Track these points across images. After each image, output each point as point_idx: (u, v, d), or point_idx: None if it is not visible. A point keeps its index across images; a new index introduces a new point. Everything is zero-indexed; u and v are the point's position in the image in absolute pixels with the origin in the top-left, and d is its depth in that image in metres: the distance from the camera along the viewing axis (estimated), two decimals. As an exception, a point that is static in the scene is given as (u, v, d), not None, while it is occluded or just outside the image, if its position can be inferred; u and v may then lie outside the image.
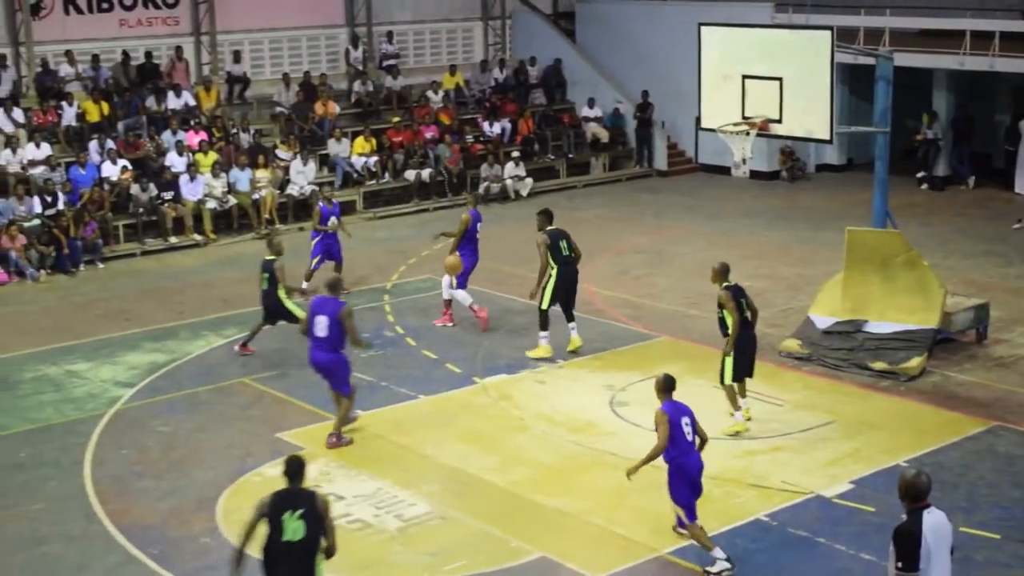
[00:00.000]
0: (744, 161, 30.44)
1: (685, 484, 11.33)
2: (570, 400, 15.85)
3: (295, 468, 9.27)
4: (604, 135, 32.47)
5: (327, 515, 9.08)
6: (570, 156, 31.96)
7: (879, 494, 12.79)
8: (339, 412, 14.46)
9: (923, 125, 29.78)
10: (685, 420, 11.28)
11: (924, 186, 29.68)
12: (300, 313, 16.73)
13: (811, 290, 18.43)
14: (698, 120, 18.94)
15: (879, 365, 16.66)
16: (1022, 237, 24.75)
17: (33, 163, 24.94)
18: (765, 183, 30.89)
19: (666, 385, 11.45)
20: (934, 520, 8.36)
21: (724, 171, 31.57)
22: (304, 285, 20.22)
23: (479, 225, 19.43)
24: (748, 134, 17.57)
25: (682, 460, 11.25)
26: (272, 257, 17.47)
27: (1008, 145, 29.47)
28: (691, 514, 11.39)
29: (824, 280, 18.62)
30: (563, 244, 17.51)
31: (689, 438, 11.28)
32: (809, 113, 16.80)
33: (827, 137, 17.05)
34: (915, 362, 16.58)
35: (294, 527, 8.94)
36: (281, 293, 17.40)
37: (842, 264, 17.98)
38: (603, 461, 13.83)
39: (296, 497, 9.11)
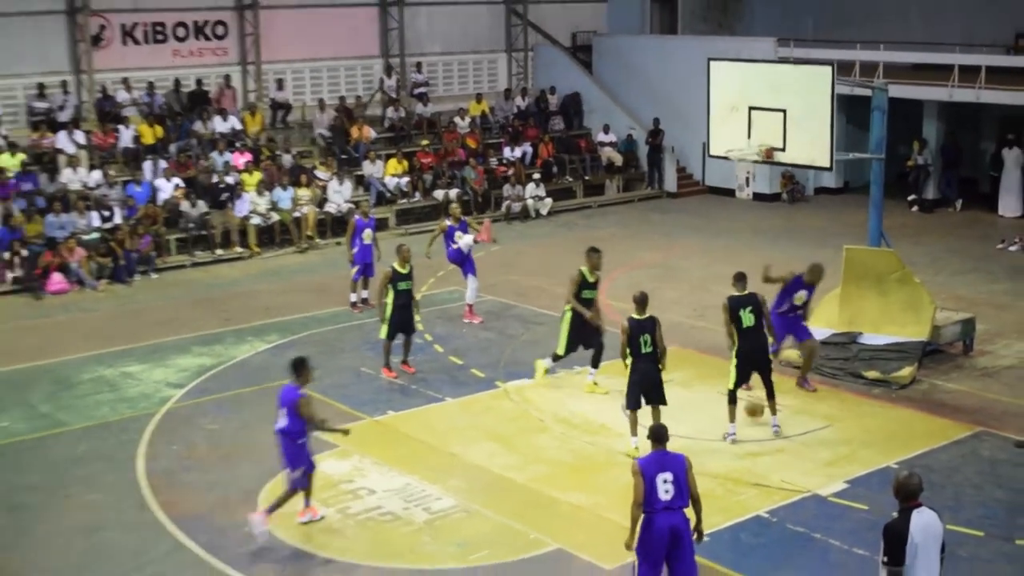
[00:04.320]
0: (748, 183, 30.74)
1: (646, 546, 9.81)
2: (586, 404, 15.83)
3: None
4: (618, 159, 32.47)
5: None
6: (586, 178, 31.96)
7: (872, 493, 12.78)
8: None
9: (914, 152, 29.70)
10: (664, 477, 9.78)
11: (915, 208, 29.60)
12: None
13: (810, 304, 18.36)
14: (705, 146, 18.96)
15: (872, 374, 16.63)
16: (1006, 256, 24.68)
17: (95, 187, 25.09)
18: (767, 205, 30.85)
19: (653, 435, 10.09)
20: (924, 519, 8.35)
21: (729, 193, 31.63)
22: (364, 294, 20.51)
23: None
24: (755, 161, 17.60)
25: (648, 518, 9.81)
26: (404, 270, 16.96)
27: (993, 171, 29.39)
28: None
29: (822, 295, 18.59)
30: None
31: (665, 496, 9.77)
32: (811, 142, 16.76)
33: (827, 165, 16.99)
34: (906, 371, 16.56)
35: None
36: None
37: (840, 280, 17.97)
38: (616, 460, 13.82)
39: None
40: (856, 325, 17.55)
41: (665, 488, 9.79)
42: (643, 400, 13.97)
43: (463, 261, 20.02)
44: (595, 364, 16.22)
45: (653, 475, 9.81)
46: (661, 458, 9.93)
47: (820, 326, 17.57)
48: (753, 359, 14.45)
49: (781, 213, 29.93)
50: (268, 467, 13.74)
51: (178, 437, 14.91)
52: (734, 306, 14.43)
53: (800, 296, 16.02)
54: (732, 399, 14.49)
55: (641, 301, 14.07)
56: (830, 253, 20.60)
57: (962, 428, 14.89)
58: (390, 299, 16.78)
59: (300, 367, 12.20)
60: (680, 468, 9.89)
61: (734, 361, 14.43)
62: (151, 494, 13.17)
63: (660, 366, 13.97)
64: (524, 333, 19.22)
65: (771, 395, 14.60)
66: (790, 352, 17.34)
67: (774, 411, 14.62)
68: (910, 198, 29.76)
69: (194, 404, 16.10)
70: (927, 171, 29.80)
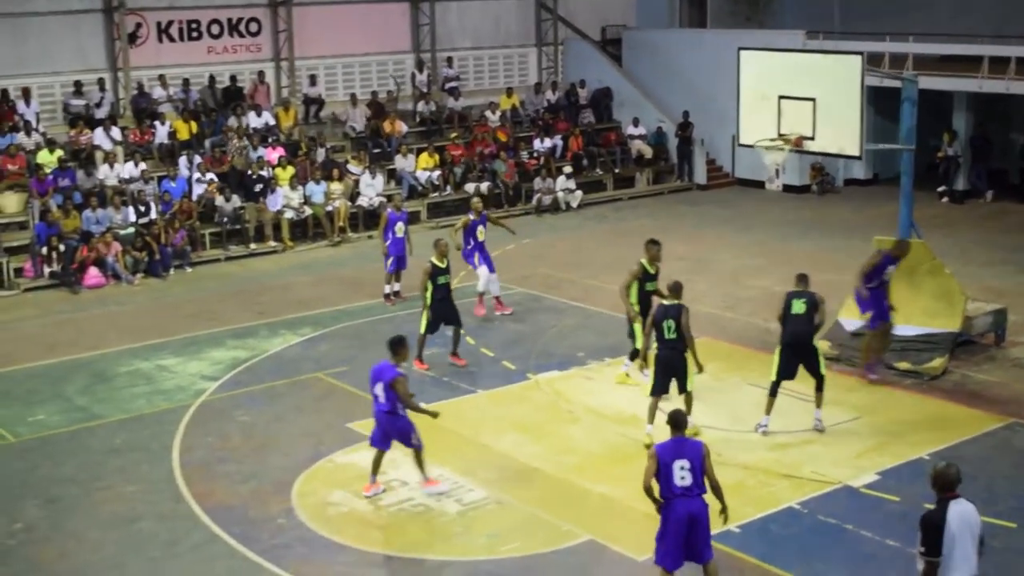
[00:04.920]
0: (778, 175, 30.50)
1: (664, 536, 9.91)
2: (616, 395, 15.76)
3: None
4: (648, 151, 32.31)
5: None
6: (616, 171, 31.81)
7: (903, 484, 12.64)
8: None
9: (944, 143, 29.42)
10: (681, 464, 9.76)
11: (945, 200, 29.29)
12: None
13: (840, 296, 18.17)
14: (735, 137, 18.81)
15: (904, 365, 16.47)
16: (1038, 247, 24.39)
17: (130, 180, 25.17)
18: (797, 196, 30.63)
19: (671, 421, 10.06)
20: (960, 510, 8.24)
21: (759, 185, 31.42)
22: (396, 287, 20.49)
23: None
24: (783, 149, 17.48)
25: (666, 503, 9.86)
26: (442, 264, 16.95)
27: (1023, 162, 29.03)
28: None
29: (852, 286, 18.39)
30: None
31: (681, 482, 9.76)
32: (840, 131, 16.68)
33: (857, 153, 16.95)
34: (937, 362, 16.39)
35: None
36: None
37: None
38: (646, 451, 13.68)
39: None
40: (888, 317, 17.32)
41: (682, 475, 9.78)
42: (669, 387, 13.94)
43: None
44: (632, 356, 16.09)
45: (670, 461, 9.81)
46: (678, 445, 9.91)
47: (851, 317, 17.41)
48: (797, 349, 14.26)
49: (811, 204, 29.71)
50: (300, 459, 13.75)
51: (212, 429, 14.91)
52: (789, 297, 14.36)
53: (891, 271, 16.06)
54: (772, 391, 14.34)
55: (675, 289, 14.02)
56: (861, 245, 20.40)
57: (994, 419, 14.71)
58: (429, 294, 16.75)
59: (398, 345, 12.53)
60: (697, 455, 9.86)
61: (778, 351, 14.30)
62: (186, 485, 13.17)
63: (686, 355, 13.87)
64: (555, 325, 19.15)
65: (819, 386, 14.41)
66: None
67: (819, 404, 14.44)
68: (940, 189, 29.45)
69: (228, 396, 16.10)
70: (957, 162, 29.50)
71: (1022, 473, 13.11)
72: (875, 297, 16.04)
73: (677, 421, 10.07)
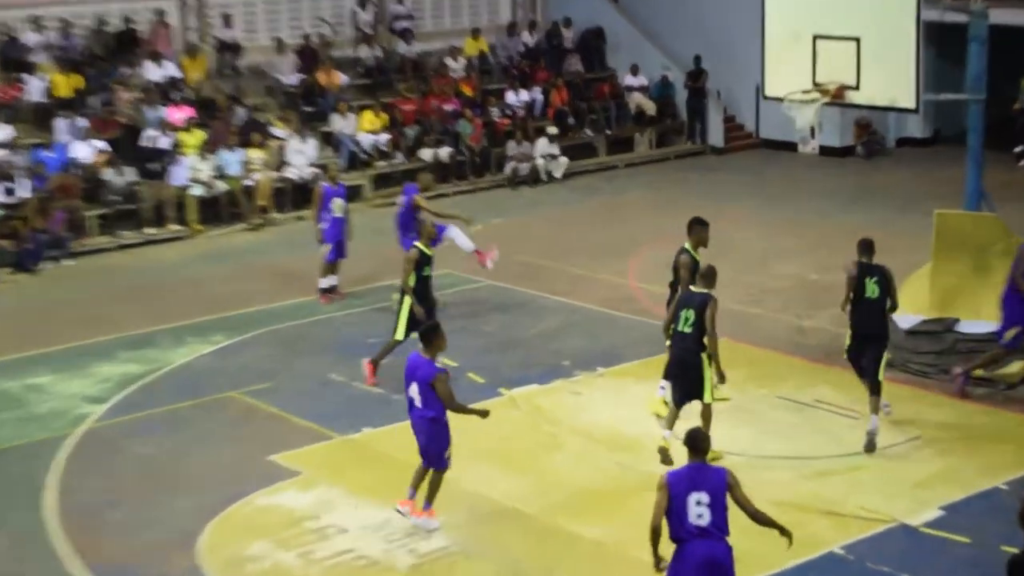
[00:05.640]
0: (813, 135, 30.54)
1: None
2: (611, 413, 15.71)
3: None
4: (650, 107, 32.31)
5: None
6: (610, 132, 31.83)
7: (975, 522, 12.59)
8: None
9: (1022, 92, 29.49)
10: (697, 497, 9.71)
11: (1023, 162, 29.39)
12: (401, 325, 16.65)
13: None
14: (759, 89, 18.80)
15: (975, 371, 16.41)
16: None
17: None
18: (837, 160, 30.71)
19: (689, 442, 10.01)
20: (1058, 553, 8.20)
21: (790, 147, 31.47)
22: (334, 280, 20.40)
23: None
24: (820, 102, 17.48)
25: (679, 546, 9.79)
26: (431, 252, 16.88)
27: None
28: None
29: (908, 272, 18.38)
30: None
31: (698, 521, 9.71)
32: (891, 78, 16.74)
33: (912, 105, 17.21)
34: (1016, 367, 16.36)
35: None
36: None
37: (929, 253, 17.81)
38: (650, 484, 13.36)
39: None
40: (951, 310, 17.38)
41: (698, 511, 9.71)
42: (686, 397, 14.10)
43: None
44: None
45: (684, 493, 9.74)
46: (696, 473, 9.85)
47: (906, 312, 17.34)
48: (867, 337, 14.70)
49: (855, 170, 29.78)
50: (210, 501, 13.58)
51: (99, 465, 14.74)
52: (861, 273, 14.68)
53: None
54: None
55: (706, 275, 14.15)
56: (918, 219, 20.39)
57: (1089, 437, 14.71)
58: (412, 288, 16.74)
59: (432, 335, 12.67)
60: (719, 487, 9.80)
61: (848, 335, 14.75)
62: (64, 538, 12.97)
63: (703, 357, 13.95)
64: (534, 327, 19.10)
65: (874, 389, 14.59)
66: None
67: (875, 409, 14.59)
68: (1017, 149, 29.56)
69: (119, 423, 15.93)
70: (1038, 115, 29.62)
71: (1124, 505, 13.05)
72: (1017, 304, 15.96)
73: (696, 443, 9.99)
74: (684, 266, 15.29)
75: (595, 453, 14.62)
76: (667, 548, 9.80)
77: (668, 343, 14.30)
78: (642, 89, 32.63)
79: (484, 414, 13.03)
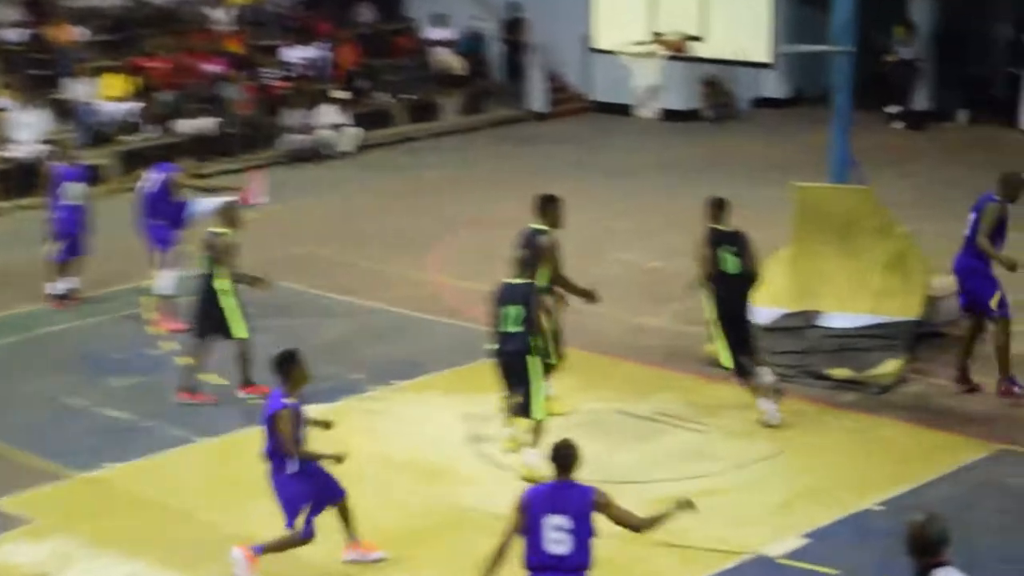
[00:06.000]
0: (653, 96, 30.85)
1: None
2: (415, 436, 15.74)
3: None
4: (458, 65, 32.38)
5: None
6: (411, 96, 31.82)
7: (844, 550, 12.84)
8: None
9: (896, 42, 30.19)
10: (556, 521, 9.91)
11: (898, 124, 30.16)
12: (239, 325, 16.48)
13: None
14: (588, 41, 18.92)
15: (842, 372, 16.79)
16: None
17: None
18: (682, 126, 31.19)
19: (554, 458, 10.26)
20: (951, 583, 8.40)
21: (626, 111, 31.70)
22: (70, 283, 20.10)
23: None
24: (660, 57, 17.65)
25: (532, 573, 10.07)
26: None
27: (1012, 66, 30.01)
28: None
29: (765, 256, 18.67)
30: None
31: (555, 548, 9.89)
32: (743, 28, 16.94)
33: (768, 59, 17.42)
34: (890, 367, 16.76)
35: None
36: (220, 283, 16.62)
37: (789, 234, 18.06)
38: (464, 520, 13.69)
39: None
40: (815, 301, 17.73)
41: (555, 537, 9.88)
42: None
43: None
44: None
45: (539, 515, 9.92)
46: (558, 493, 10.05)
47: (762, 304, 17.61)
48: (731, 320, 15.20)
49: (704, 137, 30.25)
50: None
51: None
52: (714, 240, 15.12)
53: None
54: (742, 372, 15.30)
55: (526, 262, 14.56)
56: (777, 193, 20.75)
57: (975, 446, 15.10)
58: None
59: (287, 365, 12.70)
60: (582, 510, 9.97)
61: (716, 323, 15.16)
62: None
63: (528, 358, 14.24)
64: (318, 334, 19.02)
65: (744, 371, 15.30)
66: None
67: (762, 394, 15.23)
68: (891, 109, 30.28)
69: None
70: (915, 69, 30.35)
71: (1017, 525, 13.47)
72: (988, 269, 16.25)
73: (563, 458, 10.20)
74: (551, 249, 15.53)
75: (395, 484, 14.59)
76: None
77: (494, 347, 14.47)
78: (448, 44, 32.71)
79: (339, 460, 12.84)
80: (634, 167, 27.55)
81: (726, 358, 15.61)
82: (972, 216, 16.28)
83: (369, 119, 30.64)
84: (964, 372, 16.51)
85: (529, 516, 9.93)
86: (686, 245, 18.12)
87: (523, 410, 14.29)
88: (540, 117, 32.22)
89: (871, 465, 14.73)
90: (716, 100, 31.54)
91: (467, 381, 17.06)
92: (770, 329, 17.43)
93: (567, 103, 32.74)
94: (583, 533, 9.90)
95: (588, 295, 15.99)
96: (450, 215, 24.37)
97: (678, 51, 17.60)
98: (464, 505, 14.06)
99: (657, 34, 17.55)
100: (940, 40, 30.37)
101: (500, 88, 32.75)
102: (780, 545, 13.07)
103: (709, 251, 15.48)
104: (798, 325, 17.53)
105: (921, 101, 30.53)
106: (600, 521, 10.13)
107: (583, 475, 14.18)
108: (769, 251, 18.61)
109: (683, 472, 14.57)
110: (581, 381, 16.70)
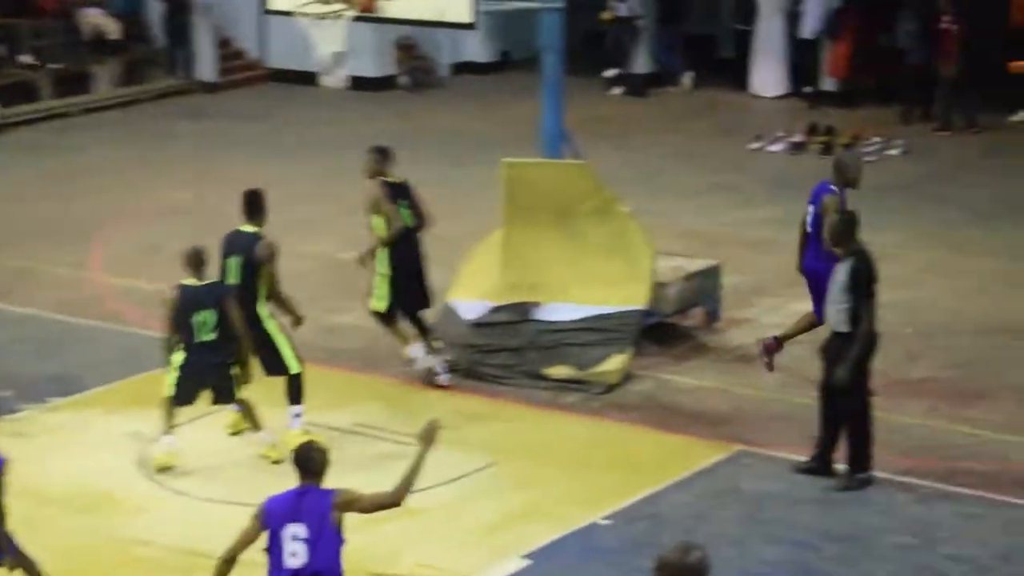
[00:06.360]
0: (339, 62, 30.93)
1: None
2: (74, 462, 15.49)
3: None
4: (113, 29, 31.95)
5: None
6: (57, 65, 31.35)
7: (570, 570, 13.04)
8: None
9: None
10: (295, 531, 10.05)
11: (617, 90, 30.76)
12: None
13: (453, 261, 18.64)
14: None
15: (561, 371, 17.00)
16: (764, 160, 26.04)
17: None
18: (374, 95, 31.37)
19: (298, 461, 10.37)
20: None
21: (309, 79, 31.70)
22: None
23: None
24: (343, 16, 17.63)
25: None
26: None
27: (739, 23, 30.78)
28: None
29: (471, 243, 18.86)
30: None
31: (292, 560, 10.05)
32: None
33: (468, 19, 17.43)
34: (615, 363, 17.02)
35: None
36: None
37: (498, 218, 18.28)
38: (132, 556, 13.59)
39: None
40: (530, 292, 17.84)
41: (292, 548, 10.03)
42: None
43: None
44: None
45: (278, 526, 10.06)
46: (298, 500, 10.15)
47: (470, 297, 17.84)
48: (411, 271, 16.10)
49: (399, 107, 30.46)
50: None
51: None
52: (391, 194, 15.72)
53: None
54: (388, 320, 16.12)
55: (195, 261, 14.66)
56: (480, 171, 20.97)
57: (710, 448, 15.48)
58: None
59: None
60: (320, 515, 10.09)
61: (389, 278, 15.58)
62: None
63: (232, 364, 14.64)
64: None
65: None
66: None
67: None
68: (609, 74, 30.86)
69: None
70: (634, 28, 30.95)
71: (756, 532, 13.85)
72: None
73: (306, 461, 10.31)
74: (271, 257, 15.50)
75: (48, 518, 14.25)
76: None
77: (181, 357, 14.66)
78: (99, 4, 32.25)
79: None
80: (320, 144, 27.47)
81: (380, 301, 16.49)
82: (810, 210, 16.36)
83: (8, 92, 30.09)
84: None
85: (270, 527, 10.08)
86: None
87: (228, 396, 14.76)
88: (210, 88, 31.97)
89: (597, 474, 14.93)
90: (412, 65, 31.63)
91: (134, 396, 16.84)
92: (480, 325, 17.55)
93: (241, 71, 32.56)
94: (324, 541, 10.03)
95: (298, 320, 16.05)
96: (110, 203, 24.03)
97: (367, 11, 17.55)
98: (133, 539, 13.90)
99: (340, -9, 17.56)
100: (661, -5, 31.00)
101: (163, 55, 32.38)
102: (498, 568, 13.21)
103: (392, 206, 16.18)
104: (511, 320, 17.60)
105: (641, 64, 31.07)
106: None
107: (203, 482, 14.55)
108: (476, 238, 18.85)
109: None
110: (271, 393, 16.59)
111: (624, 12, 30.67)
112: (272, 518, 10.06)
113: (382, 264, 16.41)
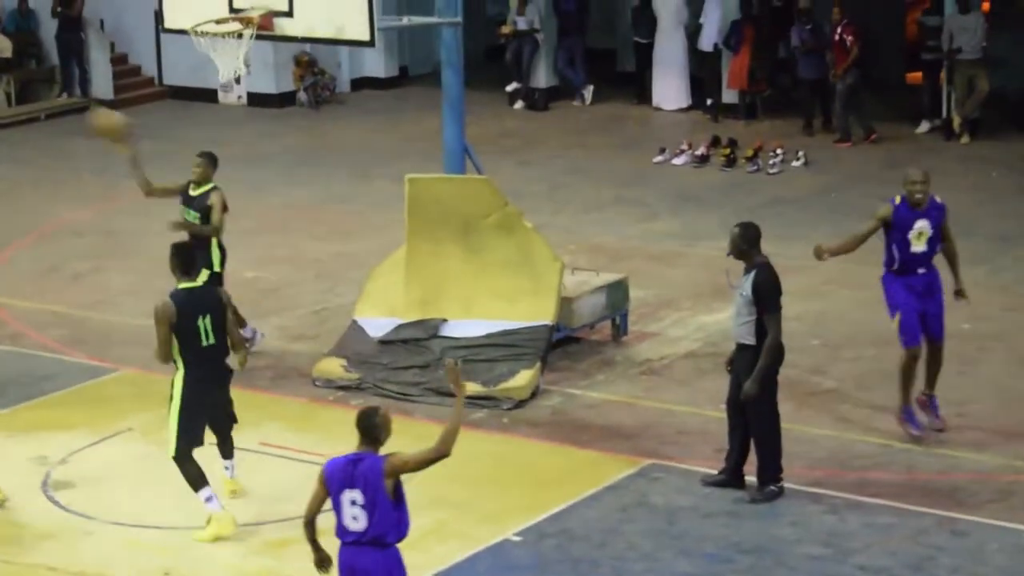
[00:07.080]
0: (239, 80, 30.87)
1: None
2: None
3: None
4: (5, 47, 31.71)
5: None
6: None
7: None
8: None
9: (512, 12, 30.83)
10: (352, 496, 10.44)
11: (518, 104, 30.84)
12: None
13: (358, 277, 18.61)
14: (159, 18, 18.81)
15: (469, 388, 16.90)
16: (668, 173, 26.13)
17: None
18: (274, 112, 31.39)
19: (359, 425, 10.57)
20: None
21: (207, 96, 31.58)
22: None
23: None
24: (249, 37, 17.60)
25: (340, 549, 10.68)
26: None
27: (639, 36, 30.91)
28: None
29: (376, 260, 18.85)
30: None
31: (353, 525, 10.49)
32: (336, 1, 17.06)
33: (366, 37, 17.35)
34: (523, 378, 17.11)
35: None
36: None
37: (402, 234, 18.29)
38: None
39: None
40: (435, 308, 17.91)
41: (352, 512, 10.46)
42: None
43: None
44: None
45: (337, 491, 10.51)
46: (352, 467, 10.48)
47: (376, 314, 17.86)
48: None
49: (300, 124, 30.44)
50: None
51: None
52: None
53: (922, 229, 16.16)
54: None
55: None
56: (384, 187, 20.96)
57: (619, 463, 15.55)
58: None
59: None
60: (373, 482, 10.40)
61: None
62: None
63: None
64: None
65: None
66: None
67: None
68: (510, 88, 30.95)
69: None
70: (534, 42, 30.98)
71: (668, 547, 13.87)
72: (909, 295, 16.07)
73: (368, 426, 10.55)
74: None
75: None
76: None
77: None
78: (-12, 18, 32.11)
79: None
80: (225, 162, 27.37)
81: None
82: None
83: None
84: None
85: (331, 491, 10.53)
86: (284, 250, 18.30)
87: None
88: (106, 106, 31.74)
89: (507, 491, 15.00)
90: (312, 82, 31.56)
91: (37, 419, 16.78)
92: (386, 342, 17.61)
93: (137, 89, 32.38)
94: (380, 507, 10.41)
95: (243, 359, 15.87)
96: (8, 223, 23.85)
97: (264, 29, 17.46)
98: (40, 564, 13.75)
99: (237, 10, 17.41)
100: (561, 8, 30.90)
101: (57, 73, 32.16)
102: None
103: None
104: (417, 336, 17.67)
105: (542, 78, 31.14)
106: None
107: (184, 520, 14.37)
108: (381, 255, 18.86)
109: (297, 511, 14.54)
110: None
111: (523, 25, 30.69)
112: (332, 482, 10.50)
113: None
